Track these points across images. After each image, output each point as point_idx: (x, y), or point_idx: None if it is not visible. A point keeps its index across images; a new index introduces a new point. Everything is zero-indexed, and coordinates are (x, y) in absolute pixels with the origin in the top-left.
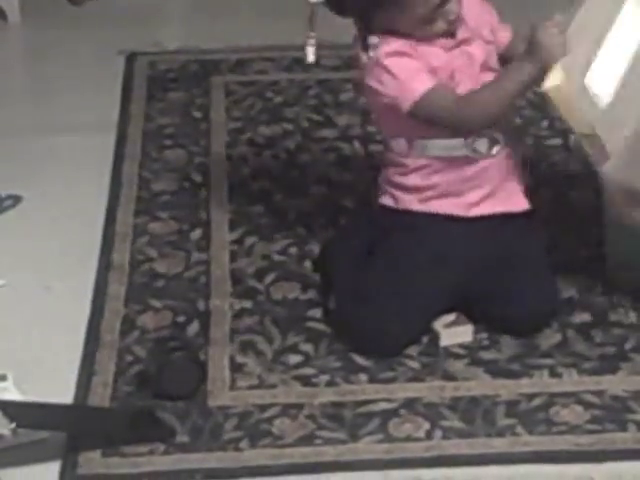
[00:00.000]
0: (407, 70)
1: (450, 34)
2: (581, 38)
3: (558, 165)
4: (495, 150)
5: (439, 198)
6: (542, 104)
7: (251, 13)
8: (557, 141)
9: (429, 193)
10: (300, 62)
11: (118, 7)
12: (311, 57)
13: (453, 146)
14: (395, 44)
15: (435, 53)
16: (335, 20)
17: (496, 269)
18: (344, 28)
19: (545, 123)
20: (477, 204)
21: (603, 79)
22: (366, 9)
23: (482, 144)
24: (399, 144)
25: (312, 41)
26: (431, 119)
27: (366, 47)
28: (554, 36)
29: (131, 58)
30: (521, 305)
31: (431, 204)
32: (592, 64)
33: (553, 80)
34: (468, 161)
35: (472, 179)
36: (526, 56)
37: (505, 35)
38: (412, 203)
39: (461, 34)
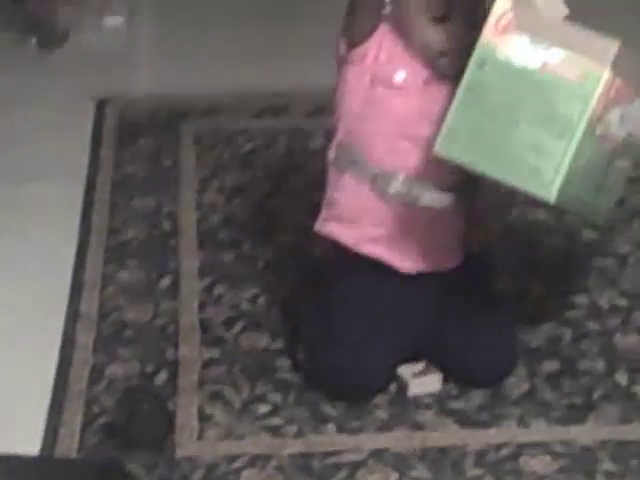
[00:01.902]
0: None
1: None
2: None
3: (527, 213)
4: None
5: (337, 221)
6: None
7: (220, 60)
8: None
9: (331, 211)
10: (269, 109)
11: (88, 54)
12: None
13: (364, 167)
14: None
15: None
16: (307, 67)
17: (443, 320)
18: (315, 75)
19: None
20: (374, 242)
21: None
22: None
23: (394, 184)
24: (332, 150)
25: None
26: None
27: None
28: None
29: (101, 105)
30: (476, 358)
31: (328, 224)
32: None
33: None
34: (375, 193)
35: (371, 212)
36: None
37: None
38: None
39: None
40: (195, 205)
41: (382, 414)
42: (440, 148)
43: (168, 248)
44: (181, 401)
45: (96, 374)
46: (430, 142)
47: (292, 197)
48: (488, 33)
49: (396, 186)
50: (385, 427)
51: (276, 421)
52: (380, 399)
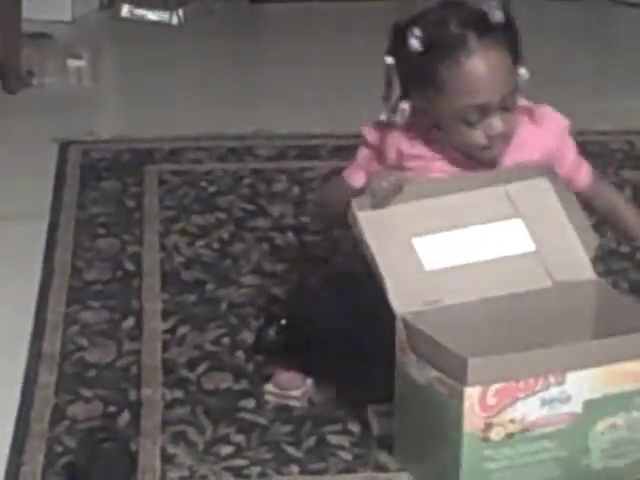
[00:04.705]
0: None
1: (489, 163)
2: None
3: None
4: None
5: None
6: None
7: (185, 103)
8: None
9: None
10: (233, 152)
11: (52, 95)
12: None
13: None
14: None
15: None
16: (271, 111)
17: None
18: (279, 119)
19: None
20: None
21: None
22: (409, 77)
23: None
24: None
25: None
26: None
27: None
28: None
29: (64, 146)
30: None
31: None
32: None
33: None
34: None
35: None
36: None
37: (584, 177)
38: None
39: None
40: (159, 246)
41: (345, 455)
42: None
43: (131, 289)
44: (144, 442)
45: (58, 414)
46: None
47: (255, 239)
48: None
49: None
50: (348, 468)
51: (239, 462)
52: (344, 440)
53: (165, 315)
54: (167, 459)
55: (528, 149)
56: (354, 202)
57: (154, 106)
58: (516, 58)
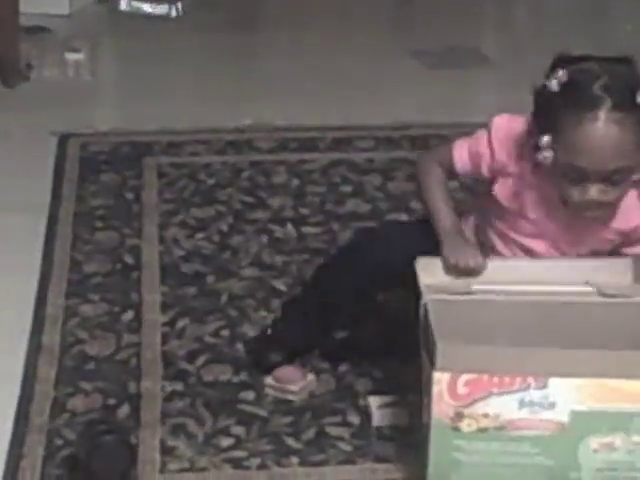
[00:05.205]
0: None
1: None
2: None
3: None
4: None
5: None
6: None
7: (184, 95)
8: None
9: None
10: (232, 144)
11: (51, 89)
12: None
13: None
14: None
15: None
16: (270, 104)
17: None
18: (278, 111)
19: None
20: None
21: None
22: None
23: None
24: None
25: None
26: None
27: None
28: None
29: (63, 139)
30: None
31: None
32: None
33: None
34: None
35: None
36: None
37: None
38: None
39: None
40: (158, 239)
41: (345, 447)
42: None
43: (131, 281)
44: (143, 434)
45: (58, 407)
46: None
47: (255, 231)
48: None
49: None
50: (348, 460)
51: (239, 454)
52: (343, 431)
53: (164, 308)
54: (167, 451)
55: (623, 221)
56: (421, 261)
57: (153, 99)
58: None
